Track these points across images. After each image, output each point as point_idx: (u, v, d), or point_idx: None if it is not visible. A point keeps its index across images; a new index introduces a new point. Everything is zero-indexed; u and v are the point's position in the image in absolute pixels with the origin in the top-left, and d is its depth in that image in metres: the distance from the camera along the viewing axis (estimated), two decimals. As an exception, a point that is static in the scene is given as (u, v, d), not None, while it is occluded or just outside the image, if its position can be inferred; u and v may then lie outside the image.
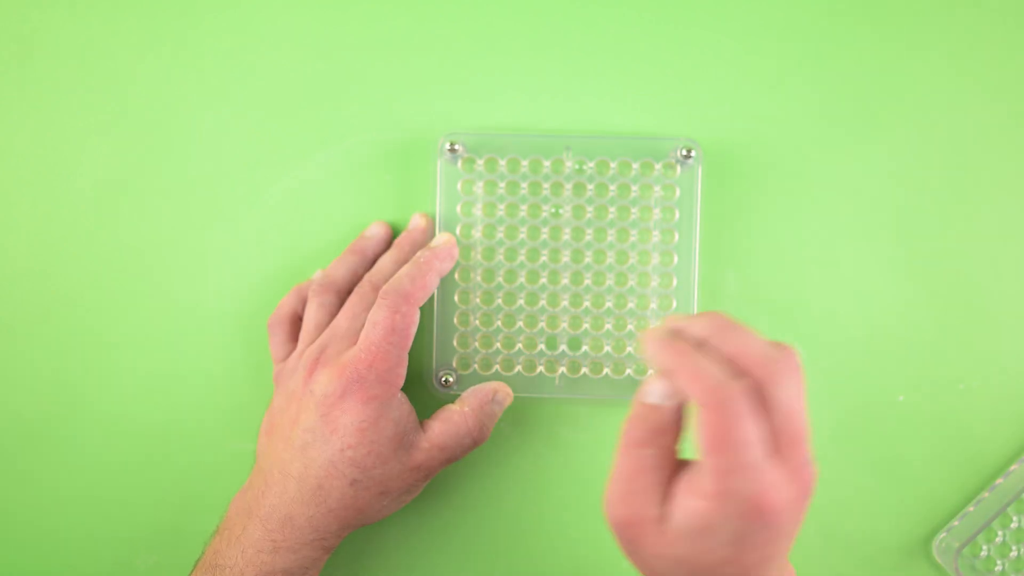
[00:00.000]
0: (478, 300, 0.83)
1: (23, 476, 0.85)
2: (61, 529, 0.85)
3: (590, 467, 0.85)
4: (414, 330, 0.74)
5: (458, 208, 0.82)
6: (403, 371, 0.74)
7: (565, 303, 0.83)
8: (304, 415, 0.73)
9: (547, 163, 0.82)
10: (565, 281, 0.83)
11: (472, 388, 0.78)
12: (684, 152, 0.81)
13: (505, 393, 0.79)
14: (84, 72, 0.84)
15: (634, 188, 0.83)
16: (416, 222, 0.83)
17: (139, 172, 0.84)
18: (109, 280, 0.84)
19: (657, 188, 0.82)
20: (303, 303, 0.82)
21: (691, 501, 0.59)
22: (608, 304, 0.83)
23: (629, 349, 0.83)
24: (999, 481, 0.84)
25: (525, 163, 0.82)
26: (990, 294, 0.85)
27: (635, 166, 0.82)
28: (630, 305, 0.83)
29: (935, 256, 0.85)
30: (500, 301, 0.83)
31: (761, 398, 0.58)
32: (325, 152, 0.84)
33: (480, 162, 0.82)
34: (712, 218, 0.84)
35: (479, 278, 0.83)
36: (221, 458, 0.85)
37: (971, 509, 0.84)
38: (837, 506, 0.85)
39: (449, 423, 0.75)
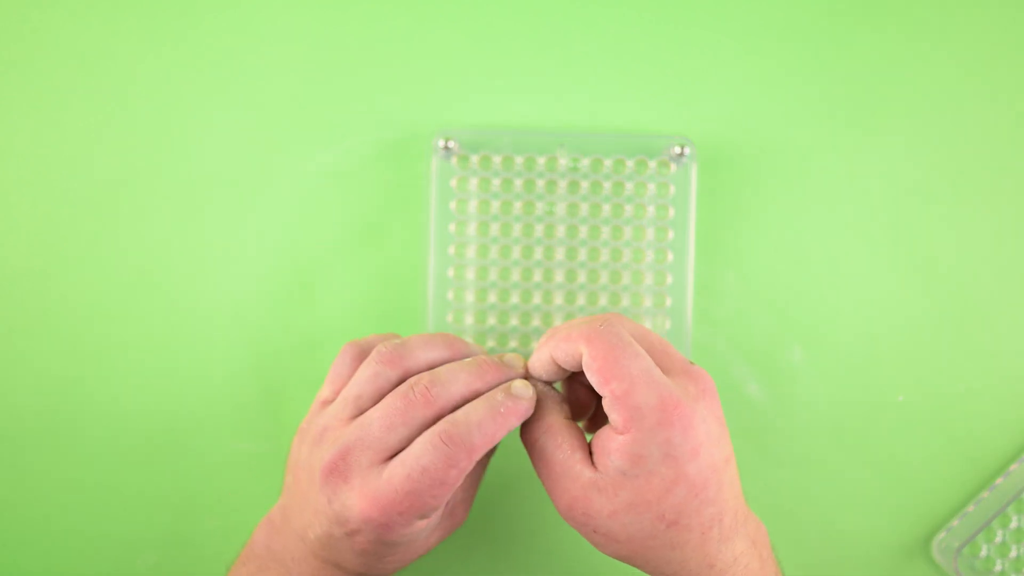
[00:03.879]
0: (472, 297, 0.83)
1: (23, 476, 0.85)
2: (61, 529, 0.85)
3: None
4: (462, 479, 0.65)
5: (452, 205, 0.82)
6: (442, 508, 0.66)
7: (560, 300, 0.83)
8: (324, 528, 0.67)
9: (541, 160, 0.82)
10: (559, 278, 0.83)
11: None
12: (678, 150, 0.81)
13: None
14: (84, 72, 0.84)
15: (628, 185, 0.83)
16: (512, 361, 0.71)
17: (139, 172, 0.84)
18: (107, 280, 0.84)
19: (651, 185, 0.83)
20: None
21: (611, 443, 0.63)
22: (603, 302, 0.83)
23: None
24: (999, 481, 0.84)
25: (519, 160, 0.83)
26: (990, 294, 0.86)
27: (629, 163, 0.82)
28: (624, 303, 0.83)
29: (935, 255, 0.85)
30: (495, 298, 0.83)
31: None
32: (321, 151, 0.84)
33: (474, 159, 0.82)
34: (708, 216, 0.84)
35: (473, 275, 0.83)
36: (221, 458, 0.85)
37: (971, 509, 0.84)
38: (837, 506, 0.85)
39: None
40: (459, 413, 0.65)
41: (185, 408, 0.85)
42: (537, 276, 0.83)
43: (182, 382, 0.85)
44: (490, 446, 0.64)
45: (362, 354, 0.72)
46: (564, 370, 0.68)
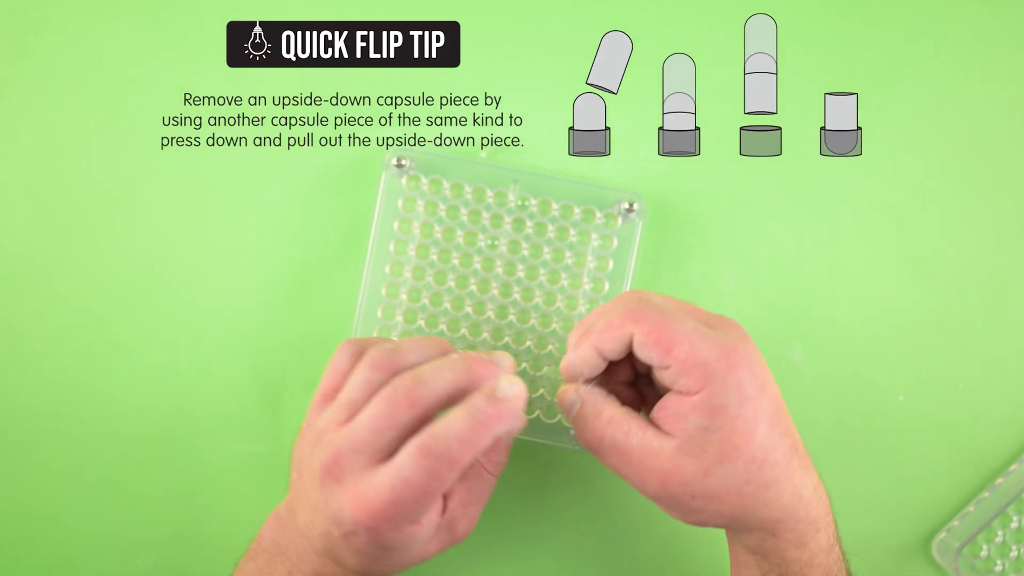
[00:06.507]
0: (400, 318, 0.83)
1: (23, 476, 0.86)
2: (62, 528, 0.86)
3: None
4: (448, 487, 0.65)
5: (395, 224, 0.82)
6: (430, 517, 0.67)
7: (486, 335, 0.83)
8: (324, 526, 0.68)
9: (491, 193, 0.82)
10: (490, 313, 0.83)
11: None
12: (627, 206, 0.80)
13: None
14: (84, 72, 0.85)
15: (572, 233, 0.82)
16: (500, 359, 0.70)
17: (139, 172, 0.86)
18: (108, 281, 0.86)
19: (595, 236, 0.81)
20: None
21: (685, 406, 0.65)
22: (528, 343, 0.83)
23: (542, 390, 0.83)
24: (999, 481, 0.85)
25: (469, 189, 0.82)
26: (990, 294, 0.86)
27: (577, 211, 0.81)
28: (550, 347, 0.83)
29: (935, 255, 0.86)
30: (422, 323, 0.83)
31: None
32: (321, 152, 0.85)
33: (425, 181, 0.82)
34: (708, 215, 0.85)
35: (404, 296, 0.83)
36: (222, 458, 0.86)
37: (971, 509, 0.85)
38: (837, 506, 0.85)
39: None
40: (439, 425, 0.64)
41: (185, 408, 0.86)
42: (468, 307, 0.83)
43: (182, 382, 0.86)
44: (473, 455, 0.64)
45: (358, 352, 0.71)
46: (604, 363, 0.69)
